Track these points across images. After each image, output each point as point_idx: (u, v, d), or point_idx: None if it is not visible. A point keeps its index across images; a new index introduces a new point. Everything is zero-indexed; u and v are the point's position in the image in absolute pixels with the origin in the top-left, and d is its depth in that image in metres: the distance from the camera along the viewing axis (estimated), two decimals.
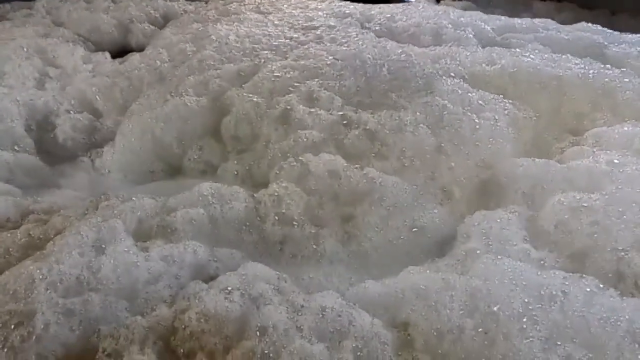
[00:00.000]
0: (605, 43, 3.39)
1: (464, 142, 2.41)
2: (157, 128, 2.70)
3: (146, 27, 4.22)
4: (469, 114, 2.55)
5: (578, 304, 1.49)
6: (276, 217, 2.00)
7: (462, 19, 3.86)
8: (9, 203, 2.13)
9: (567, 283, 1.59)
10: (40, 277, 1.56)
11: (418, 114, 2.53)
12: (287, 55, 3.24)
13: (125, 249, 1.68)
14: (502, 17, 3.97)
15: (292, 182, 2.11)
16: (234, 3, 4.59)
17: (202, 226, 1.88)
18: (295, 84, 2.82)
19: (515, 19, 3.92)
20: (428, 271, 1.71)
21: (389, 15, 3.99)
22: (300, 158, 2.22)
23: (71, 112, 2.99)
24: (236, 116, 2.72)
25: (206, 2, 4.90)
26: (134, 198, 1.98)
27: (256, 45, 3.43)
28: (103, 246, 1.68)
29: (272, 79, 2.87)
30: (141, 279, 1.64)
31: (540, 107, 2.71)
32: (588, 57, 3.07)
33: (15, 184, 2.41)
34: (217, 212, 1.98)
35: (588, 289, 1.59)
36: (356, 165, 2.21)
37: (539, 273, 1.64)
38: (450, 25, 3.70)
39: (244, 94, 2.80)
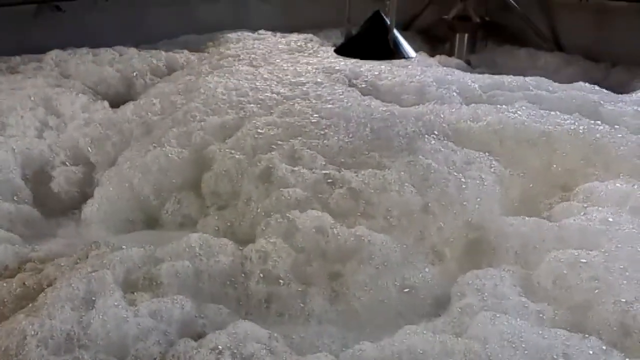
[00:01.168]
0: (601, 102, 3.46)
1: (451, 202, 2.46)
2: (135, 179, 2.75)
3: (148, 79, 4.44)
4: (455, 173, 2.60)
5: None
6: (261, 275, 2.03)
7: (448, 76, 4.01)
8: (9, 251, 2.24)
9: (568, 344, 1.59)
10: (32, 333, 1.60)
11: (402, 173, 2.58)
12: (272, 111, 3.33)
13: (115, 303, 1.72)
14: (491, 75, 4.09)
15: (279, 239, 2.16)
16: (229, 57, 4.78)
17: (187, 279, 1.97)
18: (279, 142, 2.89)
19: (504, 76, 4.03)
20: (425, 332, 1.72)
21: (376, 73, 4.14)
22: (287, 214, 2.25)
23: (67, 163, 3.12)
24: (217, 173, 2.76)
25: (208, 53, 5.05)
26: (123, 247, 2.05)
27: (242, 98, 3.53)
28: (93, 299, 1.74)
29: (255, 135, 2.95)
30: (130, 334, 1.66)
31: (528, 164, 2.78)
32: (578, 113, 3.15)
33: (16, 232, 2.52)
34: (203, 266, 2.04)
35: (591, 351, 1.57)
36: (343, 223, 2.25)
37: (539, 332, 1.65)
38: (434, 83, 3.84)
39: (226, 149, 2.86)
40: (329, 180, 2.58)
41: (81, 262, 1.99)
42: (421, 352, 1.60)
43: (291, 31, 5.56)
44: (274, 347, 1.65)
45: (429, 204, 2.44)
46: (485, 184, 2.60)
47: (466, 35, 5.40)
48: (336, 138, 2.92)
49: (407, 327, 1.75)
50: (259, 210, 2.49)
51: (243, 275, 2.02)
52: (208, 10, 5.53)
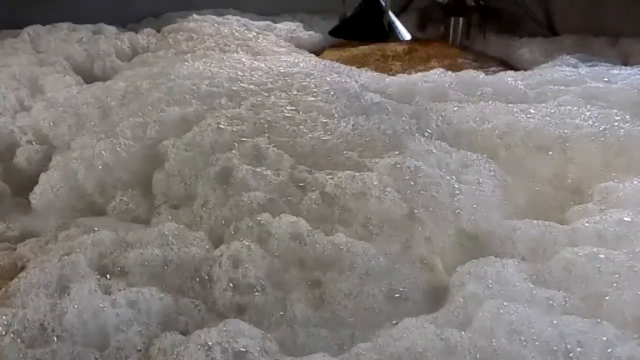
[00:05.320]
0: None
1: (442, 209, 2.42)
2: (81, 170, 2.82)
3: (116, 60, 4.70)
4: (447, 177, 2.57)
5: (595, 357, 1.58)
6: (231, 284, 2.04)
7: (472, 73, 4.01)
8: None
9: (582, 330, 1.66)
10: (5, 322, 1.73)
11: (385, 176, 2.54)
12: (242, 103, 3.33)
13: (90, 291, 1.85)
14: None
15: (253, 243, 2.18)
16: (209, 42, 4.93)
17: (158, 269, 2.06)
18: (242, 139, 2.88)
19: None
20: (425, 325, 1.75)
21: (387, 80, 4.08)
22: (258, 218, 2.29)
23: (33, 142, 3.28)
24: (168, 172, 2.76)
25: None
26: (96, 229, 2.24)
27: (214, 89, 3.54)
28: (68, 285, 1.88)
29: (216, 131, 2.93)
30: (109, 323, 1.78)
31: (537, 170, 2.78)
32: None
33: None
34: (173, 256, 2.12)
35: (605, 338, 1.64)
36: (320, 230, 2.27)
37: (553, 322, 1.70)
38: (455, 84, 3.78)
39: (180, 146, 2.86)
40: (300, 184, 2.56)
41: (51, 244, 2.21)
42: (421, 350, 1.64)
43: (283, 14, 6.05)
44: (268, 346, 1.72)
45: (415, 211, 2.40)
46: (483, 189, 2.56)
47: (461, 19, 5.79)
48: (310, 135, 2.91)
49: (407, 320, 1.80)
50: (215, 216, 2.47)
51: (212, 279, 2.06)
52: None
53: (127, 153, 2.86)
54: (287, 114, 3.08)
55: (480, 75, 3.94)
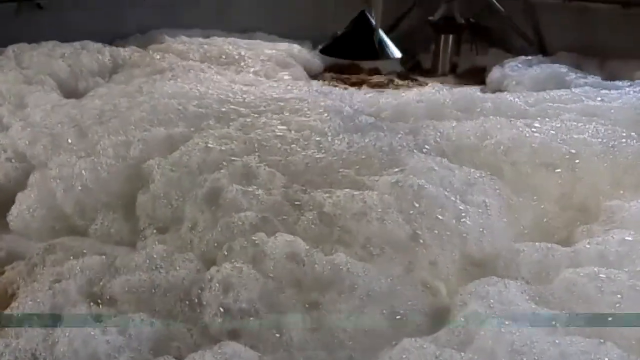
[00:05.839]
0: None
1: (447, 231, 2.33)
2: (60, 190, 2.70)
3: (96, 77, 4.61)
4: (452, 197, 2.48)
5: None
6: (222, 309, 1.98)
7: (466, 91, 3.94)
8: None
9: (585, 350, 1.66)
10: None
11: (386, 195, 2.43)
12: (231, 124, 3.22)
13: (81, 319, 1.88)
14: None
15: (245, 265, 2.11)
16: (198, 60, 4.88)
17: (147, 295, 2.03)
18: (231, 158, 2.77)
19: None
20: (425, 345, 1.74)
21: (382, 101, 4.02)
22: (252, 238, 2.21)
23: (12, 160, 3.17)
24: (153, 194, 2.64)
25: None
26: (84, 251, 2.26)
27: (201, 110, 3.42)
28: (59, 313, 1.91)
29: (203, 150, 2.82)
30: (100, 351, 1.77)
31: (544, 190, 2.69)
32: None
33: None
34: (162, 280, 2.07)
35: (607, 358, 1.64)
36: (318, 250, 2.20)
37: (556, 341, 1.69)
38: (450, 102, 3.68)
39: (167, 166, 2.76)
40: (296, 203, 2.47)
41: (40, 268, 2.20)
42: None
43: (278, 36, 6.02)
44: None
45: (419, 233, 2.31)
46: (490, 210, 2.47)
47: (451, 36, 5.91)
48: (303, 153, 2.81)
49: (406, 341, 1.78)
50: (207, 239, 2.36)
51: (202, 304, 2.01)
52: (191, 13, 5.97)
53: (109, 173, 2.75)
54: (278, 133, 2.99)
55: (477, 92, 3.88)
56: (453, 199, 2.45)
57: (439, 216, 2.37)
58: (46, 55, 4.59)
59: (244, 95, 3.77)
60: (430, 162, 2.67)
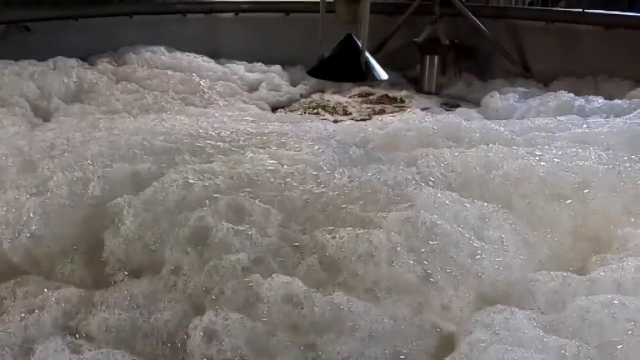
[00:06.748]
0: None
1: (462, 271, 2.21)
2: (5, 243, 2.41)
3: (60, 99, 4.59)
4: (467, 234, 2.33)
5: None
6: None
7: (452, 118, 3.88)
8: None
9: None
10: None
11: (393, 234, 2.27)
12: (213, 159, 3.01)
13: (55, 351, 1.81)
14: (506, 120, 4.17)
15: (236, 311, 2.00)
16: (162, 90, 4.83)
17: (127, 333, 1.94)
18: (215, 195, 2.54)
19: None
20: None
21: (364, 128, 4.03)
22: (245, 279, 2.08)
23: None
24: (126, 238, 2.39)
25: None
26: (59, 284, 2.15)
27: (171, 145, 3.19)
28: (32, 346, 1.85)
29: (182, 186, 2.60)
30: None
31: (557, 222, 2.60)
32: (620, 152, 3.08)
33: None
34: (144, 322, 1.98)
35: None
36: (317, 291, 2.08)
37: None
38: (436, 129, 3.62)
39: (139, 205, 2.51)
40: (295, 244, 2.29)
41: (9, 299, 2.12)
42: None
43: (264, 62, 6.26)
44: None
45: (430, 272, 2.18)
46: (507, 247, 2.34)
47: (436, 57, 6.17)
48: (301, 189, 2.61)
49: None
50: (194, 283, 2.18)
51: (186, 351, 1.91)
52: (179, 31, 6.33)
53: (64, 215, 2.51)
54: (269, 167, 2.80)
55: (461, 121, 3.80)
56: (468, 235, 2.31)
57: (453, 255, 2.22)
58: (16, 74, 4.58)
59: (221, 131, 3.60)
60: (440, 196, 2.52)
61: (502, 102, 4.92)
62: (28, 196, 2.60)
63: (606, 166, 2.88)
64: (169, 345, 1.94)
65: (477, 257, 2.24)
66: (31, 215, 2.49)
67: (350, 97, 5.62)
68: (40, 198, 2.57)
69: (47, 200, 2.55)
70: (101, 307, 2.05)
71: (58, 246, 2.43)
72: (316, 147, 3.19)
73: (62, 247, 2.43)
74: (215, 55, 6.19)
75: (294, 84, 5.89)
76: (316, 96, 5.59)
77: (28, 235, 2.42)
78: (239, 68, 5.81)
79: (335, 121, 4.80)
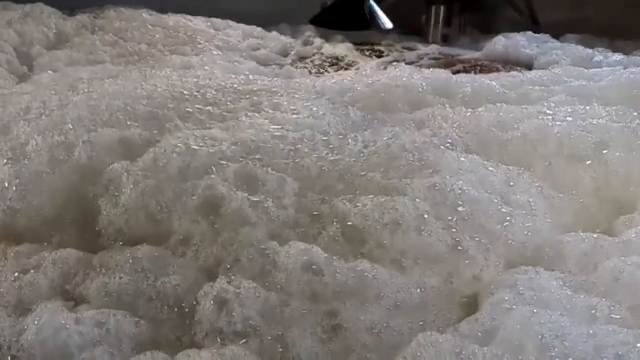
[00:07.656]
0: None
1: (493, 238, 2.18)
2: None
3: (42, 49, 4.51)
4: (494, 199, 2.28)
5: None
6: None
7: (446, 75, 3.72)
8: None
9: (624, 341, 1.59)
10: None
11: (419, 201, 2.21)
12: (209, 125, 2.83)
13: (51, 310, 1.78)
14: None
15: (249, 280, 1.95)
16: (148, 47, 4.67)
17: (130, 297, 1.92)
18: (222, 162, 2.42)
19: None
20: (440, 339, 1.67)
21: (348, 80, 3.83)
22: (261, 247, 2.04)
23: None
24: (127, 207, 2.27)
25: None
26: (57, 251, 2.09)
27: (157, 110, 2.97)
28: (27, 307, 1.83)
29: (185, 152, 2.46)
30: (71, 343, 1.69)
31: (580, 183, 2.59)
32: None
33: None
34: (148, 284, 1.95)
35: None
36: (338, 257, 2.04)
37: (590, 331, 1.63)
38: (427, 86, 3.45)
39: (138, 171, 2.38)
40: (314, 213, 2.20)
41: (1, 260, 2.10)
42: None
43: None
44: None
45: (458, 240, 2.14)
46: (535, 212, 2.31)
47: (442, 7, 6.01)
48: (315, 155, 2.49)
49: (421, 335, 1.70)
50: (204, 254, 2.10)
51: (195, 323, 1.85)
52: None
53: (47, 183, 2.38)
54: (275, 133, 2.67)
55: (450, 75, 3.71)
56: (495, 201, 2.27)
57: (482, 222, 2.18)
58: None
59: (207, 92, 3.30)
60: (464, 160, 2.46)
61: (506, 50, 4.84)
62: (5, 160, 2.46)
63: (619, 124, 2.85)
64: (176, 310, 1.88)
65: (506, 223, 2.21)
66: (6, 185, 2.36)
67: (356, 49, 5.46)
68: (15, 165, 2.43)
69: (25, 164, 2.43)
70: (101, 269, 2.00)
71: (40, 216, 2.32)
72: (314, 108, 3.04)
73: (46, 217, 2.32)
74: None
75: (294, 36, 5.69)
76: (311, 48, 5.34)
77: (7, 204, 2.31)
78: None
79: (319, 74, 4.61)
